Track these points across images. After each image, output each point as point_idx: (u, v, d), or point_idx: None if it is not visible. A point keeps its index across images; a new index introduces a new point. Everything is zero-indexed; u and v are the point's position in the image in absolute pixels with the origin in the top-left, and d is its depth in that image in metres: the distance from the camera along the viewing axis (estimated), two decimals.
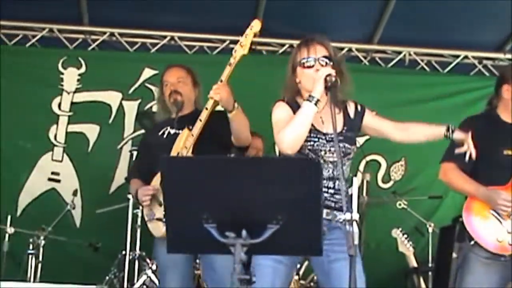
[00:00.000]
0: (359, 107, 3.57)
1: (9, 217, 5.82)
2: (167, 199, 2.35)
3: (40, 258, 5.86)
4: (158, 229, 4.26)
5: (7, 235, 5.78)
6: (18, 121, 7.01)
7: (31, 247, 5.81)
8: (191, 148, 4.24)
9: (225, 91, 4.01)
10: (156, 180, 4.31)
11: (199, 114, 4.28)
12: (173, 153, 4.26)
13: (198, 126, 4.22)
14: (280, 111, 3.43)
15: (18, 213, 6.81)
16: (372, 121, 3.59)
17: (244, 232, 2.36)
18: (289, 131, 3.23)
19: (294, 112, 3.37)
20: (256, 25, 4.02)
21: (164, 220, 3.94)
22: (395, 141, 3.69)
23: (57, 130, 7.14)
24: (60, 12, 7.17)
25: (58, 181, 7.08)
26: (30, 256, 5.77)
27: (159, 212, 4.26)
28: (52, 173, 7.09)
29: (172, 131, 4.45)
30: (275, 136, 3.38)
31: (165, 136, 4.47)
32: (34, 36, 7.37)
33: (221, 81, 4.08)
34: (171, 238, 2.39)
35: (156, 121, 4.81)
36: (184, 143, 4.26)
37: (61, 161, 7.12)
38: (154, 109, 7.01)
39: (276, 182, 2.33)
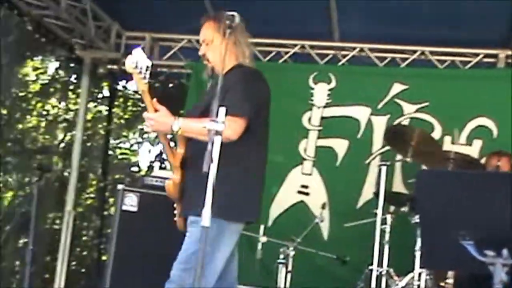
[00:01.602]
0: None
1: (262, 227, 6.05)
2: (422, 213, 2.31)
3: (290, 268, 6.00)
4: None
5: (260, 244, 6.01)
6: (271, 135, 7.27)
7: (281, 256, 5.98)
8: None
9: (154, 124, 3.68)
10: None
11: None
12: None
13: None
14: None
15: (270, 223, 7.06)
16: None
17: (505, 252, 2.25)
18: None
19: None
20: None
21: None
22: None
23: (307, 144, 7.33)
24: (311, 29, 7.40)
25: (307, 194, 7.27)
26: (280, 265, 5.94)
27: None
28: (302, 186, 7.30)
29: None
30: None
31: None
32: (286, 53, 7.68)
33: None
34: (425, 252, 2.33)
35: None
36: None
37: (310, 175, 7.30)
38: (404, 123, 6.99)
39: None
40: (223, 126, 3.07)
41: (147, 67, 3.43)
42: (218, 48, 3.80)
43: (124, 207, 5.60)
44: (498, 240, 2.25)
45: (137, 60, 3.38)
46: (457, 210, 2.26)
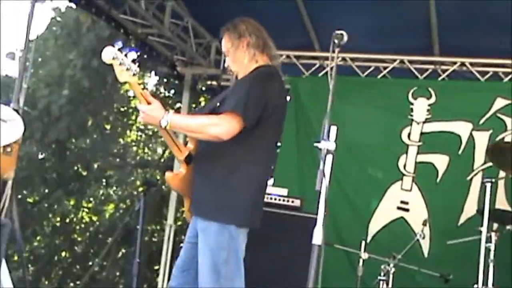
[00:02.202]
0: None
1: (363, 243, 6.00)
2: None
3: (390, 285, 5.92)
4: None
5: (361, 260, 5.97)
6: (370, 151, 7.26)
7: (382, 273, 5.91)
8: None
9: (144, 116, 3.59)
10: None
11: None
12: None
13: None
14: None
15: (368, 239, 7.00)
16: None
17: None
18: None
19: None
20: None
21: None
22: None
23: (407, 160, 7.26)
24: (411, 43, 7.33)
25: (407, 210, 7.18)
26: (381, 282, 5.88)
27: None
28: (401, 202, 7.21)
29: None
30: None
31: None
32: (385, 68, 7.63)
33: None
34: None
35: None
36: None
37: (410, 191, 7.22)
38: (507, 139, 6.81)
39: None
40: (334, 145, 3.08)
41: (133, 59, 3.41)
42: (235, 55, 3.82)
43: None
44: None
45: (116, 52, 3.33)
46: None
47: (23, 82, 4.50)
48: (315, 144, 3.18)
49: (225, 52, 3.91)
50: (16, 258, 7.41)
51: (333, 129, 3.14)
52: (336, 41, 3.39)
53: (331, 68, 3.42)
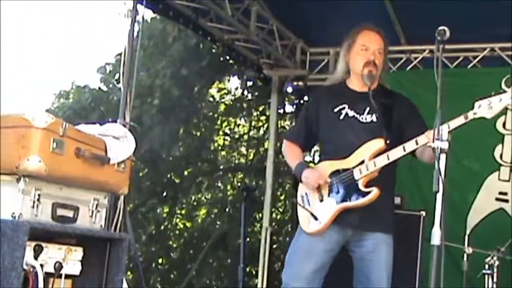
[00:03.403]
0: None
1: (466, 237, 5.92)
2: None
3: (495, 278, 5.81)
4: (309, 223, 4.03)
5: (465, 255, 5.88)
6: (465, 143, 7.12)
7: (486, 267, 5.80)
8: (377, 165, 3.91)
9: None
10: (325, 167, 4.08)
11: (385, 92, 4.11)
12: (356, 158, 3.96)
13: (398, 153, 3.87)
14: None
15: (467, 231, 6.88)
16: None
17: None
18: None
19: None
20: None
21: (316, 217, 3.94)
22: None
23: (503, 150, 7.10)
24: (500, 30, 7.17)
25: (506, 201, 7.04)
26: (486, 276, 5.78)
27: (316, 206, 4.01)
28: (500, 193, 7.07)
29: (351, 113, 4.08)
30: None
31: (341, 117, 4.09)
32: (475, 57, 7.48)
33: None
34: None
35: (327, 84, 4.41)
36: (373, 154, 3.92)
37: (508, 181, 7.06)
38: None
39: None
40: (447, 145, 3.11)
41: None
42: (383, 61, 4.17)
43: None
44: None
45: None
46: None
47: (128, 97, 4.63)
48: (431, 145, 3.25)
49: (377, 51, 4.08)
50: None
51: (445, 128, 3.17)
52: (439, 37, 3.41)
53: (437, 66, 3.43)
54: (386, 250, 3.95)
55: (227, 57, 9.25)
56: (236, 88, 13.13)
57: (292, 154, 4.25)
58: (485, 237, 6.67)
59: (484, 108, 3.73)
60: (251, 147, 12.99)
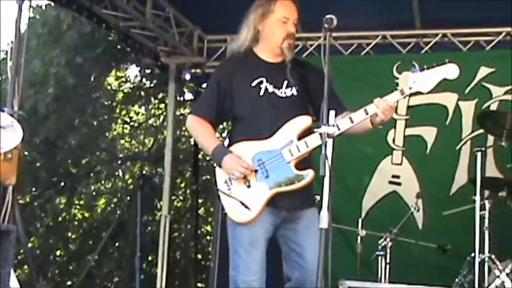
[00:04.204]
0: None
1: (360, 220, 6.09)
2: None
3: (388, 259, 6.01)
4: (239, 213, 3.72)
5: (359, 237, 6.04)
6: None
7: (379, 248, 5.99)
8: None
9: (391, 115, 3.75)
10: (247, 150, 3.76)
11: (299, 63, 3.90)
12: (282, 138, 3.70)
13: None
14: None
15: (363, 215, 7.08)
16: None
17: None
18: None
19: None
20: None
21: (247, 206, 3.68)
22: None
23: (395, 134, 7.33)
24: (392, 18, 7.38)
25: (399, 184, 7.28)
26: (379, 257, 5.96)
27: (243, 193, 3.71)
28: (393, 176, 7.30)
29: (270, 88, 3.80)
30: None
31: (261, 92, 3.80)
32: (368, 44, 7.68)
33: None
34: None
35: (236, 53, 3.96)
36: (300, 133, 3.69)
37: (400, 164, 7.30)
38: (493, 107, 6.90)
39: None
40: (334, 129, 3.14)
41: None
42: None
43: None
44: None
45: None
46: None
47: (15, 86, 4.50)
48: (315, 130, 3.23)
49: (294, 21, 3.90)
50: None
51: (332, 113, 3.18)
52: (326, 25, 3.42)
53: (324, 53, 3.44)
54: (316, 225, 3.55)
55: (124, 45, 9.13)
56: (135, 76, 13.02)
57: (204, 132, 3.88)
58: (379, 220, 6.89)
59: (419, 83, 3.67)
60: (150, 135, 12.90)
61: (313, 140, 3.64)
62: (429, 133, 7.23)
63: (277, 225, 3.79)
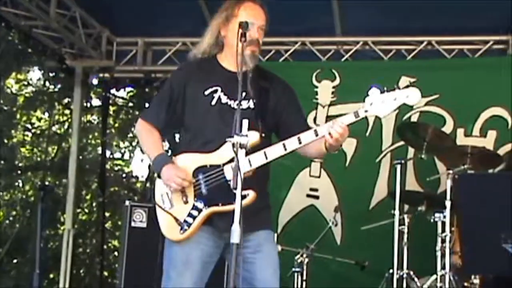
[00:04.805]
0: None
1: (275, 235, 6.10)
2: (463, 217, 2.38)
3: (305, 276, 6.06)
4: (172, 230, 3.62)
5: None
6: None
7: (295, 265, 6.04)
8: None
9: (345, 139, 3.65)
10: (188, 162, 3.66)
11: (262, 73, 3.78)
12: (227, 153, 3.53)
13: (277, 152, 3.55)
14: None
15: (279, 229, 7.11)
16: None
17: None
18: None
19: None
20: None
21: (181, 223, 3.58)
22: None
23: None
24: (312, 25, 7.47)
25: (317, 197, 7.35)
26: (295, 274, 6.01)
27: (179, 209, 3.62)
28: (311, 189, 7.37)
29: (224, 99, 3.68)
30: None
31: (213, 102, 3.69)
32: (287, 51, 7.75)
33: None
34: (467, 258, 2.41)
35: (196, 59, 3.87)
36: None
37: (318, 177, 7.37)
38: (413, 118, 7.07)
39: None
40: (247, 140, 3.12)
41: None
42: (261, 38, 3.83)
43: (132, 224, 5.67)
44: None
45: None
46: (500, 213, 2.33)
47: None
48: (227, 139, 3.18)
49: (261, 27, 3.76)
50: None
51: (245, 122, 3.15)
52: (241, 30, 3.41)
53: (236, 59, 3.43)
54: (269, 248, 3.68)
55: (25, 46, 8.92)
56: (38, 79, 12.75)
57: (148, 139, 3.79)
58: (296, 235, 6.95)
59: (377, 106, 3.50)
60: (53, 143, 12.63)
61: (257, 158, 3.53)
62: (348, 145, 7.32)
63: (222, 247, 3.68)
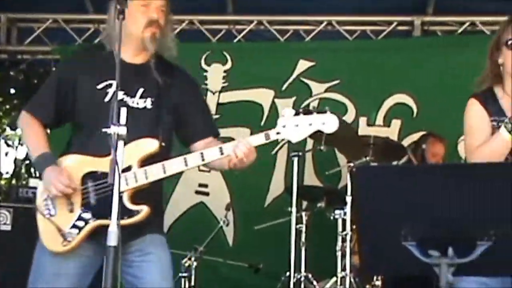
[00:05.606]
0: None
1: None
2: (360, 213, 2.40)
3: (193, 282, 6.04)
4: (52, 240, 3.52)
5: None
6: None
7: (182, 269, 6.00)
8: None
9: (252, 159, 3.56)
10: (76, 166, 3.56)
11: (164, 66, 3.70)
12: (124, 159, 3.17)
13: (178, 167, 3.50)
14: (473, 116, 3.36)
15: (165, 229, 7.03)
16: None
17: (450, 251, 2.39)
18: (488, 155, 3.18)
19: (489, 111, 3.35)
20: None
21: (64, 234, 3.49)
22: None
23: None
24: (201, 2, 7.42)
25: (207, 194, 7.31)
26: (182, 279, 5.97)
27: (62, 218, 3.51)
28: (200, 185, 7.32)
29: (120, 95, 3.41)
30: (467, 144, 3.36)
31: (106, 98, 3.58)
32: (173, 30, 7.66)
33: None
34: (366, 258, 2.44)
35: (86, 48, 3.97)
36: (142, 159, 3.46)
37: (209, 172, 7.31)
38: (313, 105, 7.14)
39: (488, 192, 2.34)
40: (125, 130, 3.03)
41: None
42: (167, 28, 3.76)
43: None
44: (443, 239, 2.38)
45: None
46: (398, 208, 2.36)
47: None
48: (104, 130, 3.08)
49: (161, 7, 3.65)
50: None
51: (123, 111, 3.07)
52: (118, 6, 3.28)
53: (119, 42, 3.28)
54: (158, 251, 3.65)
55: None
56: None
57: (31, 135, 3.67)
58: (183, 236, 6.85)
59: (290, 129, 3.49)
60: None
61: (155, 172, 3.44)
62: (241, 135, 7.28)
63: (102, 254, 3.37)
